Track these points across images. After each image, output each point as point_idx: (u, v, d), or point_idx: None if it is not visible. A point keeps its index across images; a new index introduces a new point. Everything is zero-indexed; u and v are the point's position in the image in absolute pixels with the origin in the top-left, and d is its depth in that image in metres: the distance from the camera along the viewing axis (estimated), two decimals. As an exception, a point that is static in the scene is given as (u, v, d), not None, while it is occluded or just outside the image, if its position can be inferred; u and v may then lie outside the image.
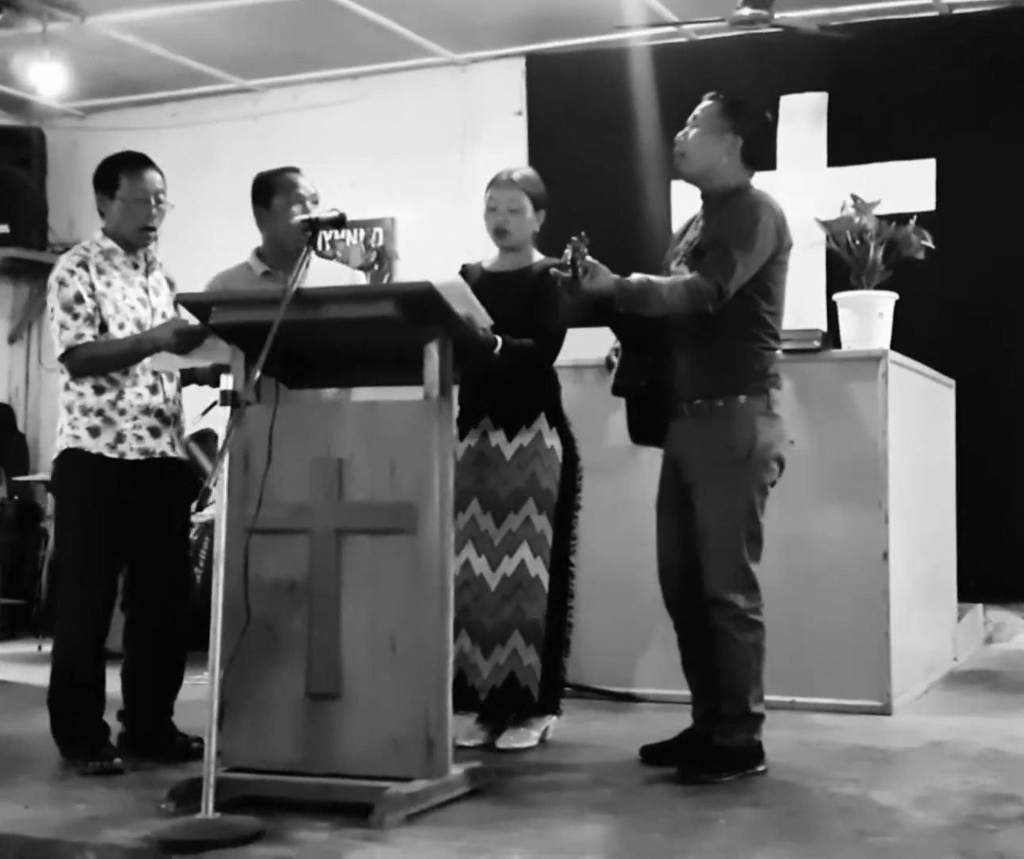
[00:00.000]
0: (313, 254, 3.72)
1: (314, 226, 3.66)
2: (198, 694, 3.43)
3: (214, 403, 3.46)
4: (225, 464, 3.36)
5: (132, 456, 4.13)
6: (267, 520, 3.55)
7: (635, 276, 3.84)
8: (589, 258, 3.75)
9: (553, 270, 3.85)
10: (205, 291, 4.14)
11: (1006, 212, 6.77)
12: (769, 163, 6.76)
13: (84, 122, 8.78)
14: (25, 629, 7.36)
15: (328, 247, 6.62)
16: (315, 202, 4.25)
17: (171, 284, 4.37)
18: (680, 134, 4.06)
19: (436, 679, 3.54)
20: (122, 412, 4.13)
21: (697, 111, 4.05)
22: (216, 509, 3.39)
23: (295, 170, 4.34)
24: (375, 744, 3.52)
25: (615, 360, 4.22)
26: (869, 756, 4.24)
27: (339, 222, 3.77)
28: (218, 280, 4.32)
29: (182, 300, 4.00)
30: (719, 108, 4.02)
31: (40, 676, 4.82)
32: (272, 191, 4.28)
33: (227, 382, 3.40)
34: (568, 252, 3.74)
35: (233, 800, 3.40)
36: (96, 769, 3.97)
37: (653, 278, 3.87)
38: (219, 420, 3.37)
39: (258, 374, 3.35)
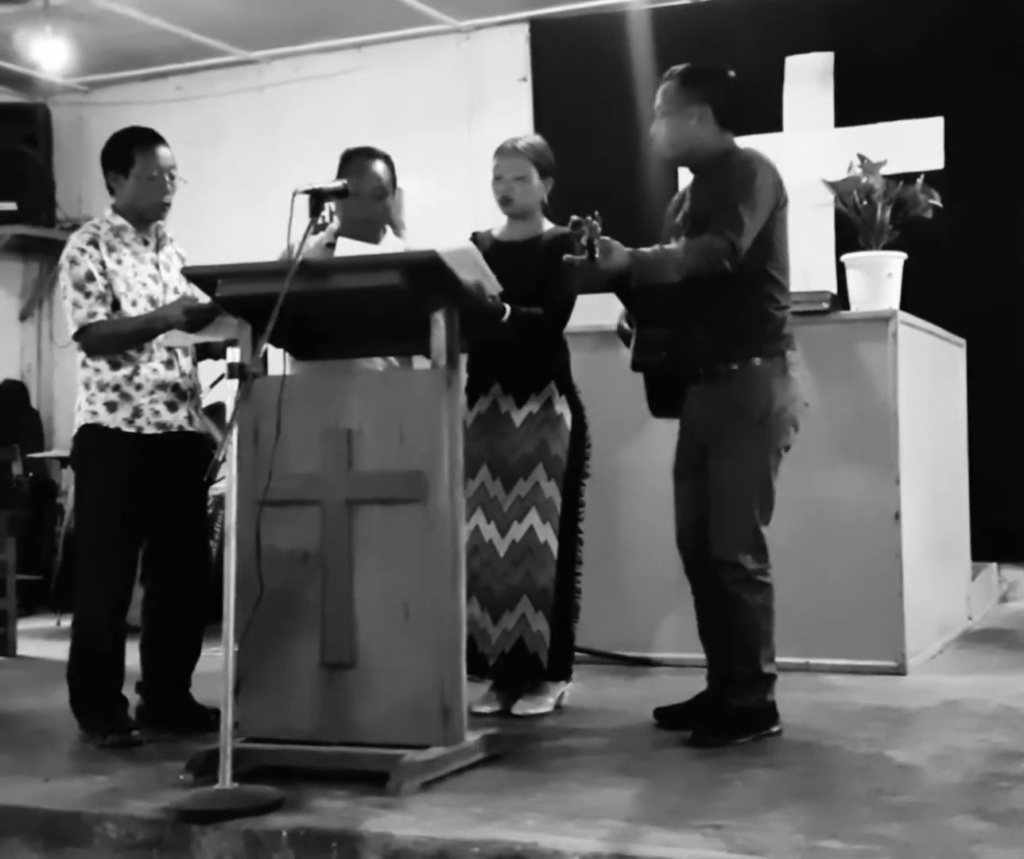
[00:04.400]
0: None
1: (318, 197, 3.65)
2: (216, 666, 3.45)
3: (221, 376, 3.47)
4: (234, 437, 3.36)
5: (149, 430, 4.15)
6: (278, 492, 3.56)
7: (646, 248, 3.83)
8: (603, 237, 3.74)
9: (567, 257, 3.82)
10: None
11: (1015, 169, 6.72)
12: (770, 124, 6.76)
13: (89, 98, 8.76)
14: (43, 605, 7.40)
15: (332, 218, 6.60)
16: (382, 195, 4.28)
17: (182, 259, 4.38)
18: (652, 126, 4.06)
19: (450, 646, 3.55)
20: (139, 387, 4.15)
21: (658, 97, 4.03)
22: (227, 482, 3.40)
23: (371, 154, 4.32)
24: (391, 712, 3.54)
25: (627, 327, 4.21)
26: (884, 716, 4.25)
27: (342, 193, 3.76)
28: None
29: (187, 273, 4.01)
30: (677, 85, 3.99)
31: (58, 651, 4.86)
32: (346, 171, 4.26)
33: (234, 355, 3.40)
34: (584, 231, 3.69)
35: (251, 770, 3.43)
36: (115, 742, 4.00)
37: (666, 246, 3.86)
38: (229, 393, 3.37)
39: (265, 346, 3.34)
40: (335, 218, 4.53)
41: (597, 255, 3.70)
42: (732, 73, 4.07)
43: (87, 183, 8.26)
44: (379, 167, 4.31)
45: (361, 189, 4.19)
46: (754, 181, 3.86)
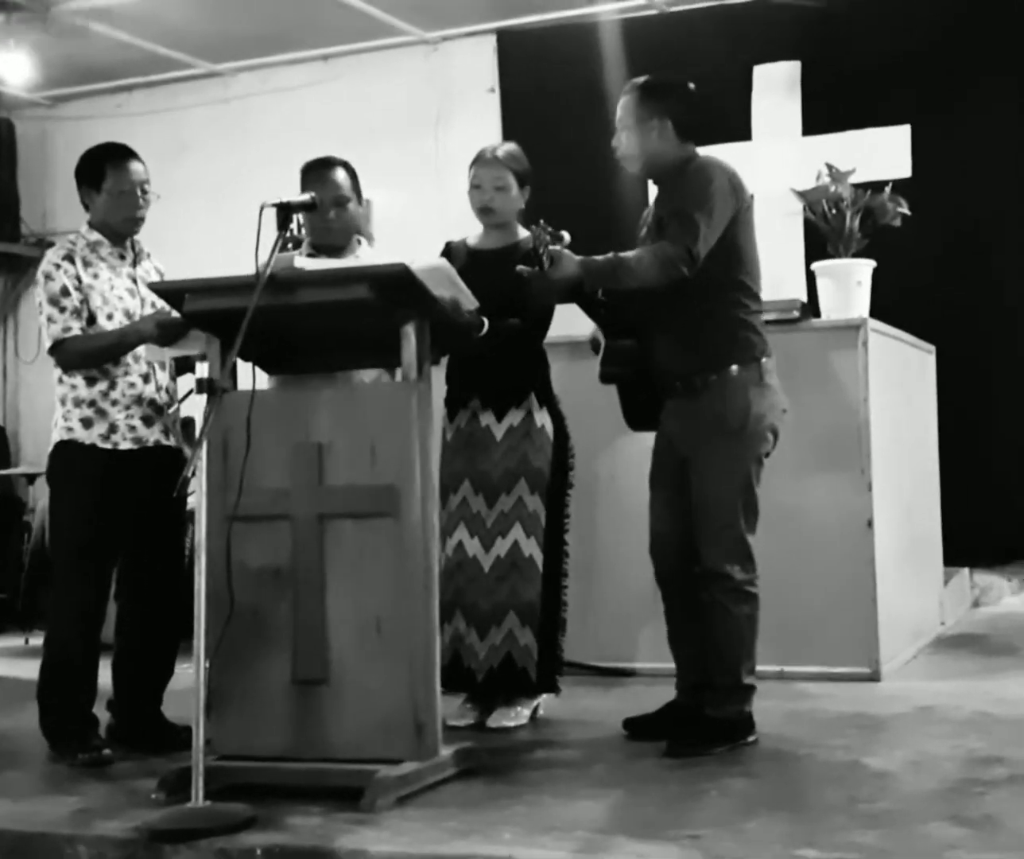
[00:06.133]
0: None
1: (286, 210, 3.63)
2: (187, 683, 3.42)
3: (190, 391, 3.44)
4: (203, 452, 3.33)
5: (125, 446, 4.13)
6: (248, 507, 3.53)
7: (599, 256, 3.81)
8: (553, 246, 3.73)
9: (519, 268, 3.81)
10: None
11: (981, 177, 6.78)
12: (738, 133, 6.79)
13: (53, 112, 8.70)
14: (10, 623, 7.32)
15: (301, 232, 6.59)
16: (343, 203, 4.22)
17: (160, 274, 4.35)
18: (614, 140, 4.05)
19: (423, 661, 3.53)
20: (114, 403, 4.13)
21: (619, 110, 4.02)
22: (196, 498, 3.37)
23: (328, 164, 4.29)
24: (364, 728, 3.51)
25: (601, 339, 4.20)
26: (858, 723, 4.25)
27: (310, 206, 3.74)
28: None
29: (153, 287, 3.99)
30: (637, 98, 3.98)
31: (26, 670, 4.81)
32: (306, 183, 4.22)
33: (203, 370, 3.37)
34: (531, 241, 3.71)
35: (224, 788, 3.39)
36: (85, 761, 3.96)
37: (620, 254, 3.85)
38: (198, 408, 3.35)
39: (234, 361, 3.32)
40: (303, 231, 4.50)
41: (546, 265, 3.69)
42: (692, 85, 4.07)
43: (51, 198, 8.19)
44: (339, 175, 4.27)
45: (323, 199, 4.16)
46: (710, 186, 3.85)
